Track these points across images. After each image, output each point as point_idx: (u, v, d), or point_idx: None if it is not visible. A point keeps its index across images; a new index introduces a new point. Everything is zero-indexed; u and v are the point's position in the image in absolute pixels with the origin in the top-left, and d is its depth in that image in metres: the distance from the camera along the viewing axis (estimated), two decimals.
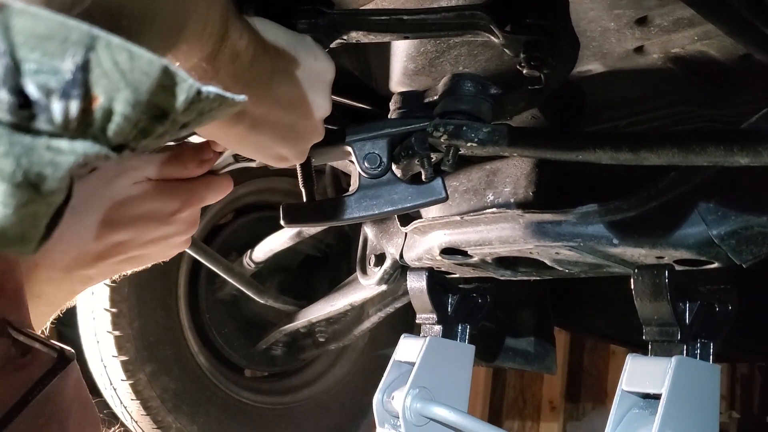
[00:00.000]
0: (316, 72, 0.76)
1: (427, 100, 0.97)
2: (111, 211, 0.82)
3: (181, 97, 0.34)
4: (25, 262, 0.82)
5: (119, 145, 0.33)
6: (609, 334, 2.32)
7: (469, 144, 0.88)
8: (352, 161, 0.94)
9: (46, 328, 0.92)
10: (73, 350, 0.71)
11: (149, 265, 0.93)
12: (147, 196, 0.83)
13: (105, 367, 1.81)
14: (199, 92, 0.34)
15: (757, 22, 0.81)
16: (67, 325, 1.92)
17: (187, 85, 0.34)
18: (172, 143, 0.96)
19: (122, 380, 1.80)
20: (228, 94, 0.37)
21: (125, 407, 1.85)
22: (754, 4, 0.79)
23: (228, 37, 0.61)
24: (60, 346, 0.70)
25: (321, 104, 0.78)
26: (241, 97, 0.39)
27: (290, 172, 1.67)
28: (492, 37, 0.86)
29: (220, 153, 0.89)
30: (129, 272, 0.94)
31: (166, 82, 0.33)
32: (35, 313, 0.84)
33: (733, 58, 1.02)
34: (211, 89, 0.35)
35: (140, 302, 1.82)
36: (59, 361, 0.68)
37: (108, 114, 0.31)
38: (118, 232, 0.83)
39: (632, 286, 1.02)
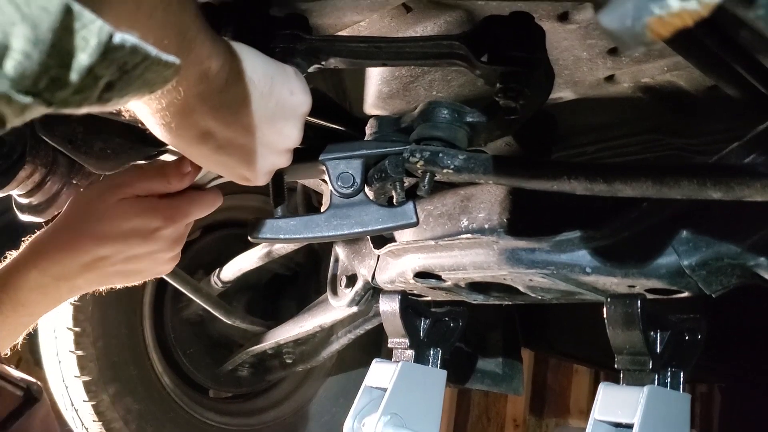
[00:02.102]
0: (290, 106, 0.76)
1: (403, 125, 0.98)
2: (99, 225, 0.86)
3: (93, 41, 0.32)
4: (17, 267, 0.87)
5: (29, 91, 0.31)
6: (573, 353, 2.34)
7: (445, 171, 0.89)
8: (324, 180, 0.94)
9: (17, 344, 0.93)
10: (41, 385, 0.69)
11: (140, 282, 0.96)
12: (131, 212, 0.86)
13: (66, 387, 1.77)
14: (111, 37, 0.33)
15: (727, 58, 0.83)
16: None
17: (96, 28, 0.32)
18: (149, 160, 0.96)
19: (84, 401, 1.76)
20: (153, 50, 0.35)
21: (86, 429, 1.80)
22: (725, 41, 0.80)
23: (190, 50, 0.60)
24: (27, 384, 0.68)
25: (290, 135, 0.78)
26: (173, 58, 0.37)
27: (260, 190, 1.66)
28: (469, 68, 0.87)
29: (200, 168, 0.88)
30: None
31: (70, 22, 0.31)
32: (16, 323, 0.88)
33: (701, 89, 1.04)
34: (128, 37, 0.34)
35: (104, 321, 1.78)
36: (25, 401, 0.66)
37: (3, 49, 0.30)
38: (103, 246, 0.86)
39: (605, 315, 1.04)
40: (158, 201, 0.87)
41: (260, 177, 0.81)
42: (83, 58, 0.32)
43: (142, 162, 1.14)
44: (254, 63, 0.71)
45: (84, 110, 0.36)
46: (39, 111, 0.33)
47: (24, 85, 0.31)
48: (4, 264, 0.90)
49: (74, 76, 0.32)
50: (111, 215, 0.86)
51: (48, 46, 0.31)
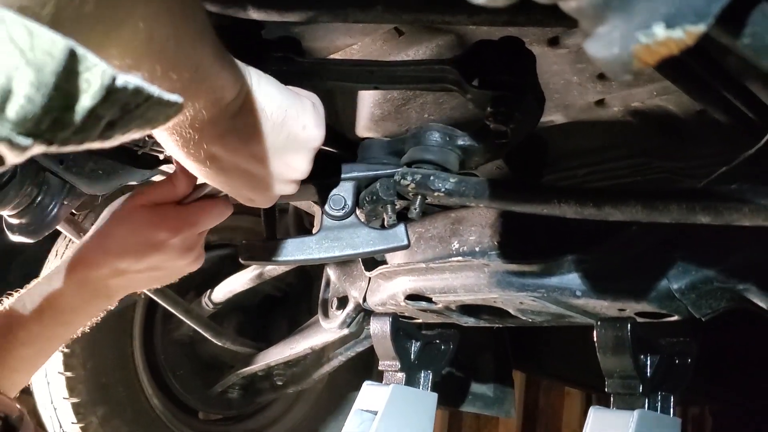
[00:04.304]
0: (301, 139, 0.75)
1: (395, 148, 0.98)
2: (114, 240, 0.88)
3: (96, 83, 0.32)
4: (59, 271, 0.88)
5: (30, 133, 0.31)
6: (564, 375, 2.34)
7: (436, 194, 0.89)
8: (316, 202, 0.94)
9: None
10: (23, 412, 0.68)
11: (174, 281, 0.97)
12: (142, 224, 0.88)
13: (55, 409, 1.75)
14: (114, 79, 0.33)
15: (715, 83, 0.84)
16: None
17: (99, 71, 0.32)
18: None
19: (73, 423, 1.74)
20: (155, 90, 0.35)
21: None
22: (712, 67, 0.81)
23: (203, 80, 0.60)
24: (5, 414, 0.67)
25: (299, 168, 0.78)
26: (175, 97, 0.37)
27: (252, 211, 1.66)
28: (460, 91, 0.88)
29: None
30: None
31: (74, 65, 0.31)
32: (52, 335, 0.92)
33: (690, 113, 1.05)
34: (130, 79, 0.34)
35: (94, 342, 1.76)
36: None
37: (6, 93, 0.30)
38: (119, 261, 0.88)
39: (595, 339, 1.04)
40: (166, 212, 0.88)
41: (265, 202, 0.81)
42: (86, 99, 0.32)
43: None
44: (271, 93, 0.71)
45: (85, 147, 0.36)
46: (39, 150, 0.33)
47: (25, 128, 0.31)
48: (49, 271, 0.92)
49: (77, 117, 0.33)
50: (126, 229, 0.88)
51: (51, 90, 0.31)
